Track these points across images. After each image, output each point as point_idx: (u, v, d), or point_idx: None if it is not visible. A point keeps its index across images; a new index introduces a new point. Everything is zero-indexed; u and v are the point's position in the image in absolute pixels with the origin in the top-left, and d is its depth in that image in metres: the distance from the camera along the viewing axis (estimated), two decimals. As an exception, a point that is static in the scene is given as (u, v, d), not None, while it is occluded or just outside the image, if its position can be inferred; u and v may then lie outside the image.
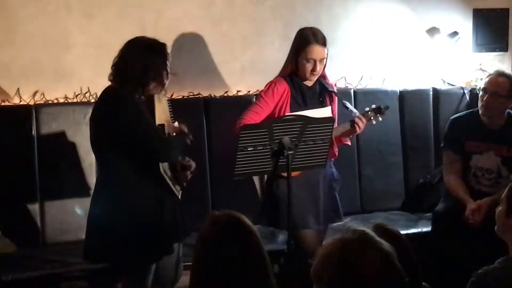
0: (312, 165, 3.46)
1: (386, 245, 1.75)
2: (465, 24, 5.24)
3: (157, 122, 3.32)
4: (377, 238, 1.76)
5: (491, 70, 4.52)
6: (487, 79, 4.20)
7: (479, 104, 4.17)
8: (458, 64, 5.26)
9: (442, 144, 4.46)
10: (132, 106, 3.19)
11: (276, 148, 3.23)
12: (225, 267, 2.00)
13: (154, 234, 3.23)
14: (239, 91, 4.68)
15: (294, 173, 3.54)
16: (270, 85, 3.72)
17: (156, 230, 3.24)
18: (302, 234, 3.65)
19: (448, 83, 5.23)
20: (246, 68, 4.72)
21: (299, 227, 3.62)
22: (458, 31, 5.13)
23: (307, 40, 3.63)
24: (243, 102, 4.51)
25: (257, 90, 4.66)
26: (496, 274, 2.33)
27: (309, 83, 3.74)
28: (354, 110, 3.76)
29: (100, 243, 3.23)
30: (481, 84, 4.24)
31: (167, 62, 3.29)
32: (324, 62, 3.68)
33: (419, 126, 5.06)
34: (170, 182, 3.30)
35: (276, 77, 3.75)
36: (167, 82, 3.32)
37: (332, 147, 3.72)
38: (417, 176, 4.99)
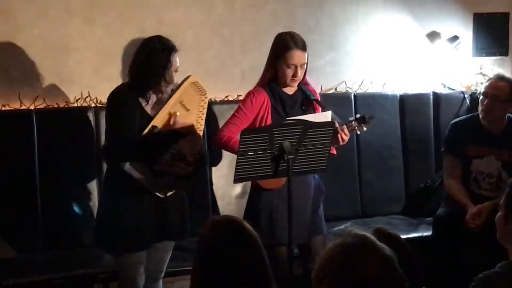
0: (313, 170, 3.46)
1: (387, 249, 1.75)
2: (465, 29, 5.24)
3: (159, 122, 3.31)
4: (378, 243, 1.76)
5: (491, 74, 4.53)
6: (487, 83, 4.20)
7: (480, 108, 4.17)
8: (459, 69, 5.26)
9: (442, 149, 4.46)
10: (111, 100, 3.35)
11: (276, 153, 3.23)
12: (225, 271, 1.99)
13: (128, 228, 3.32)
14: (240, 95, 4.68)
15: (275, 185, 3.54)
16: (249, 95, 3.66)
17: (131, 224, 3.32)
18: (278, 250, 3.54)
19: (448, 87, 5.23)
20: (247, 73, 4.72)
21: (275, 243, 3.53)
22: (458, 36, 5.13)
23: (286, 45, 3.55)
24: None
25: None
26: (496, 278, 2.32)
27: (289, 91, 3.66)
28: (338, 120, 3.63)
29: (97, 231, 3.52)
30: (481, 89, 4.24)
31: (171, 67, 3.31)
32: (305, 67, 3.61)
33: (419, 131, 5.06)
34: (143, 182, 3.29)
35: (255, 87, 3.69)
36: (168, 86, 3.35)
37: None
38: (417, 180, 4.99)
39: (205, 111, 3.49)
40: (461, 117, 4.51)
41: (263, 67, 3.70)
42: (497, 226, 2.49)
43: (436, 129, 5.07)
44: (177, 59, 3.36)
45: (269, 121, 3.60)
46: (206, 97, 3.50)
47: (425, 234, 4.45)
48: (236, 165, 3.21)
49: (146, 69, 3.29)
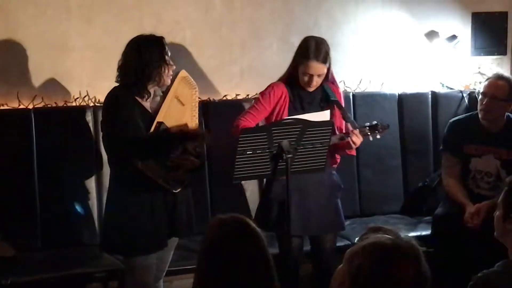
0: (311, 169, 3.46)
1: (420, 251, 1.76)
2: (464, 28, 5.25)
3: (162, 119, 3.32)
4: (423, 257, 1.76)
5: (490, 73, 4.53)
6: (486, 82, 4.20)
7: (479, 108, 4.17)
8: (457, 68, 5.27)
9: (441, 148, 4.46)
10: (112, 103, 3.34)
11: (275, 152, 3.24)
12: (229, 270, 1.99)
13: (143, 229, 3.30)
14: (238, 94, 4.68)
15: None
16: (268, 88, 3.71)
17: (146, 225, 3.30)
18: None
19: (447, 86, 5.23)
20: (245, 72, 4.72)
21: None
22: (457, 35, 5.13)
23: (306, 54, 3.56)
24: (242, 106, 4.52)
25: (256, 93, 4.64)
26: (495, 277, 2.33)
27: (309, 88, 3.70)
28: (353, 123, 3.68)
29: (103, 235, 3.52)
30: (480, 88, 4.24)
31: (165, 55, 3.34)
32: (323, 76, 3.61)
33: (418, 130, 5.06)
34: (158, 179, 3.28)
35: (277, 80, 3.73)
36: (168, 74, 3.36)
37: (332, 154, 3.70)
38: (416, 179, 4.99)
39: (197, 105, 3.52)
40: (460, 116, 4.51)
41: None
42: (495, 225, 2.50)
43: (434, 128, 5.07)
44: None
45: (285, 115, 3.63)
46: (196, 91, 3.52)
47: (423, 233, 4.44)
48: (235, 165, 3.22)
49: (141, 65, 3.29)
